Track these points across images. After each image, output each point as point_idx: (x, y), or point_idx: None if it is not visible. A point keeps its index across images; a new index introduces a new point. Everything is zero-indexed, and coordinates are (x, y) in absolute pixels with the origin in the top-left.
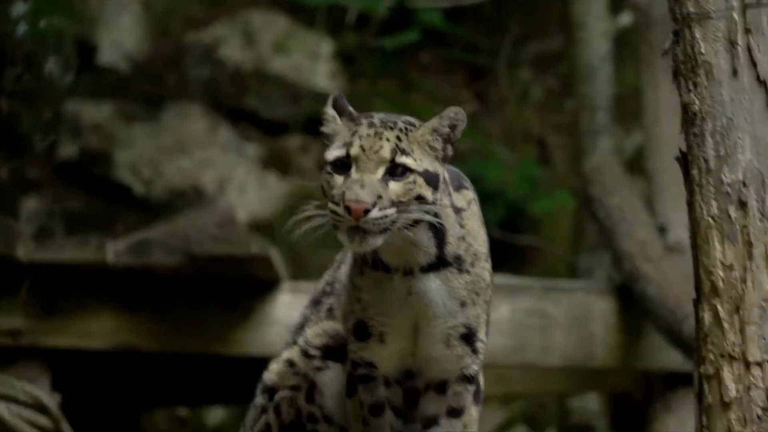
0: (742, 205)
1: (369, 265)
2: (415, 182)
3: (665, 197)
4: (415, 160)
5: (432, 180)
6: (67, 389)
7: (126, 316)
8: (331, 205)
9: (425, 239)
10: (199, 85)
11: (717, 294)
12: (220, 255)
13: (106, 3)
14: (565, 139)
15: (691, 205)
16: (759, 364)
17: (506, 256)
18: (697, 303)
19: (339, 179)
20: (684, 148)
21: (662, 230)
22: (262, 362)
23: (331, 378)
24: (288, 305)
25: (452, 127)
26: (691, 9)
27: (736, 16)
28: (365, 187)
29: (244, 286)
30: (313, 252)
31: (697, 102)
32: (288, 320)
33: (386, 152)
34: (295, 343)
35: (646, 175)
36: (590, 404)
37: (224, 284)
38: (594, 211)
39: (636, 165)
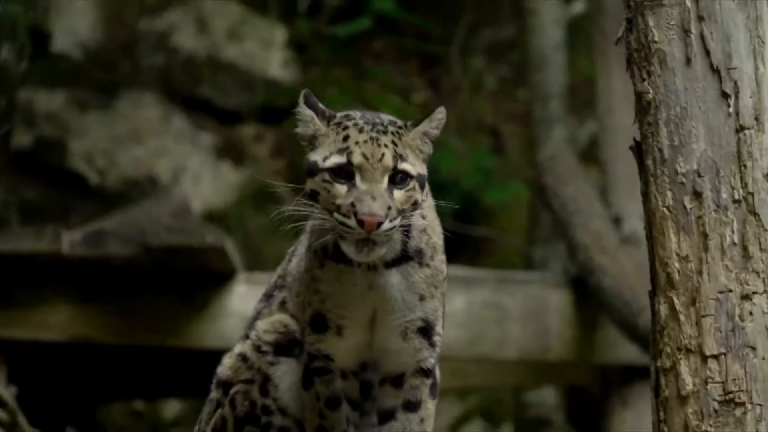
0: (697, 195)
1: (330, 257)
2: (414, 188)
3: (620, 188)
4: (412, 165)
5: (422, 183)
6: (24, 382)
7: (82, 307)
8: (338, 216)
9: (397, 236)
10: (153, 73)
11: (673, 286)
12: (175, 246)
13: None
14: (519, 128)
15: (645, 195)
16: (716, 357)
17: (460, 248)
18: (653, 295)
19: (341, 188)
20: (638, 138)
21: (617, 221)
22: (219, 355)
23: (284, 371)
24: (243, 297)
25: (438, 128)
26: None
27: (689, 3)
28: (377, 199)
29: (200, 277)
30: (267, 243)
31: (650, 91)
32: (243, 312)
33: (389, 160)
34: (247, 337)
35: (601, 165)
36: (547, 398)
37: (179, 276)
38: (548, 201)
39: (590, 155)
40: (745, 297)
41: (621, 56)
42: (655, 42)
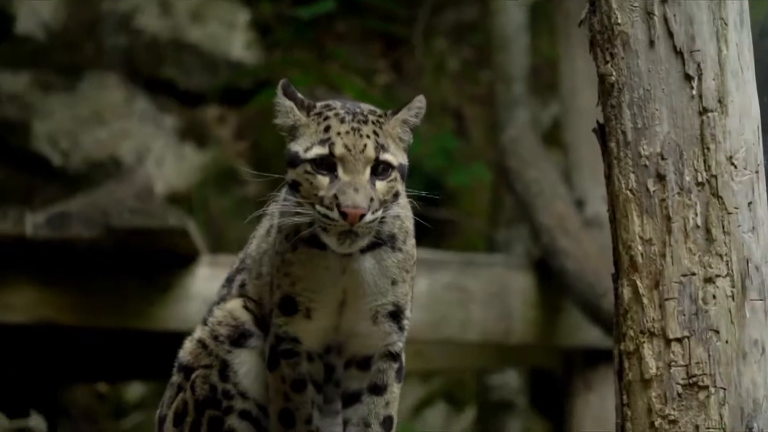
0: (661, 178)
1: (303, 241)
2: (395, 179)
3: (583, 170)
4: (393, 155)
5: (404, 173)
6: None
7: (45, 289)
8: (320, 208)
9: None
10: (116, 55)
11: (636, 269)
12: (139, 228)
13: None
14: (482, 110)
15: (609, 178)
16: (679, 341)
17: (424, 230)
18: (616, 278)
19: (323, 180)
20: (601, 120)
21: (580, 204)
22: (182, 337)
23: (241, 359)
24: (206, 279)
25: (417, 117)
26: None
27: None
28: (359, 191)
29: (163, 259)
30: (230, 225)
31: (614, 73)
32: (207, 294)
33: (371, 151)
34: (206, 322)
35: (564, 147)
36: (510, 380)
37: (143, 258)
38: (511, 183)
39: (553, 137)
40: (709, 280)
41: (584, 38)
42: (618, 24)
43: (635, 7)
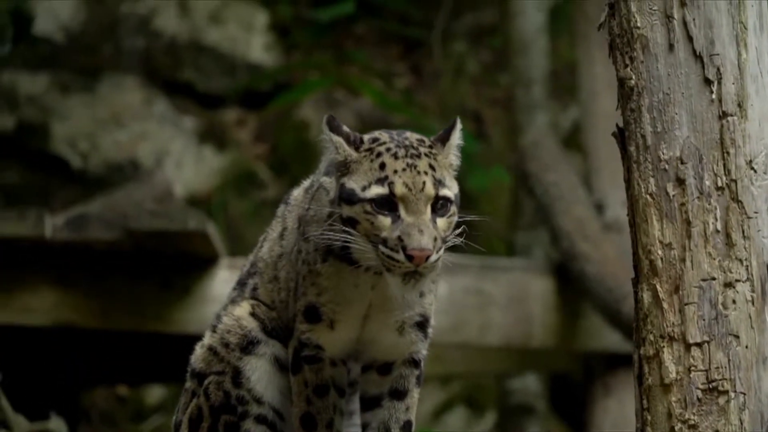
0: (680, 182)
1: (334, 254)
2: (454, 213)
3: (602, 174)
4: (449, 188)
5: (458, 202)
6: (7, 367)
7: (65, 292)
8: (384, 250)
9: None
10: (135, 57)
11: (656, 273)
12: (158, 230)
13: None
14: (501, 113)
15: (628, 182)
16: (699, 345)
17: None
18: (636, 283)
19: (385, 220)
20: (621, 124)
21: (600, 208)
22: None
23: (252, 366)
24: (226, 282)
25: (462, 139)
26: None
27: None
28: (424, 232)
29: (182, 262)
30: (250, 227)
31: (633, 77)
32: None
33: (431, 189)
34: (215, 329)
35: (583, 151)
36: (530, 385)
37: (162, 260)
38: (531, 187)
39: (572, 141)
40: (728, 285)
41: (603, 41)
42: (638, 27)
43: (654, 10)
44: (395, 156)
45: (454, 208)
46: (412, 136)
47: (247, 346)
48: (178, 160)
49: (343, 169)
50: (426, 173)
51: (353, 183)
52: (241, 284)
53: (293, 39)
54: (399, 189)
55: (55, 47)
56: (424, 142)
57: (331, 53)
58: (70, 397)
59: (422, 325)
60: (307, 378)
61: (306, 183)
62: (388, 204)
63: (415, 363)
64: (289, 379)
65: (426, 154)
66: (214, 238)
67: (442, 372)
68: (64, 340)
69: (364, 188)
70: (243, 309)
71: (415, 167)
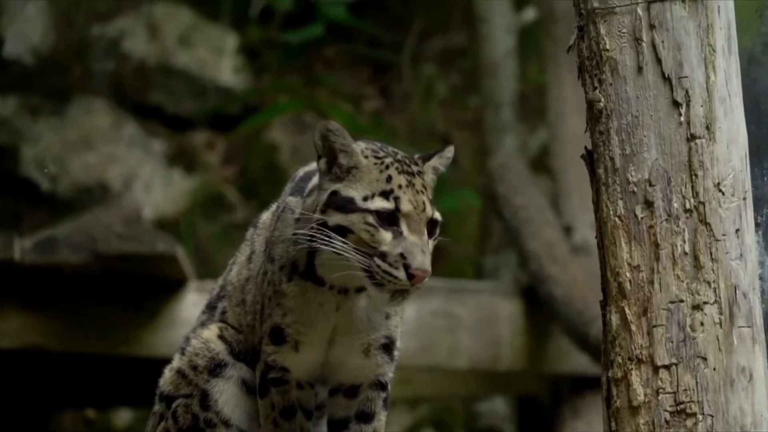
0: (649, 204)
1: (300, 274)
2: (438, 236)
3: (571, 196)
4: (436, 209)
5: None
6: None
7: (33, 315)
8: (381, 264)
9: None
10: (104, 79)
11: (624, 296)
12: (127, 253)
13: None
14: (470, 135)
15: (597, 204)
16: (667, 368)
17: None
18: (604, 305)
19: (386, 235)
20: (590, 146)
21: (568, 230)
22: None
23: (220, 388)
24: (195, 305)
25: (444, 166)
26: (596, 4)
27: (640, 11)
28: (426, 253)
29: (151, 285)
30: (218, 250)
31: (602, 99)
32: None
33: (429, 210)
34: (183, 351)
35: (552, 173)
36: (498, 407)
37: (131, 283)
38: (499, 210)
39: (541, 163)
40: (697, 307)
41: (572, 64)
42: (607, 50)
43: (623, 33)
44: (399, 171)
45: (438, 231)
46: (400, 152)
47: (215, 368)
48: (147, 183)
49: (341, 175)
50: (423, 193)
51: (353, 191)
52: (210, 308)
53: (263, 62)
54: (405, 206)
55: (25, 70)
56: (413, 160)
57: (301, 76)
58: (38, 420)
59: (388, 347)
60: (274, 400)
61: (274, 206)
62: (390, 219)
63: (381, 386)
64: (257, 402)
65: (418, 173)
66: (183, 261)
67: (411, 395)
68: (33, 363)
69: (366, 198)
70: (211, 332)
71: (414, 185)
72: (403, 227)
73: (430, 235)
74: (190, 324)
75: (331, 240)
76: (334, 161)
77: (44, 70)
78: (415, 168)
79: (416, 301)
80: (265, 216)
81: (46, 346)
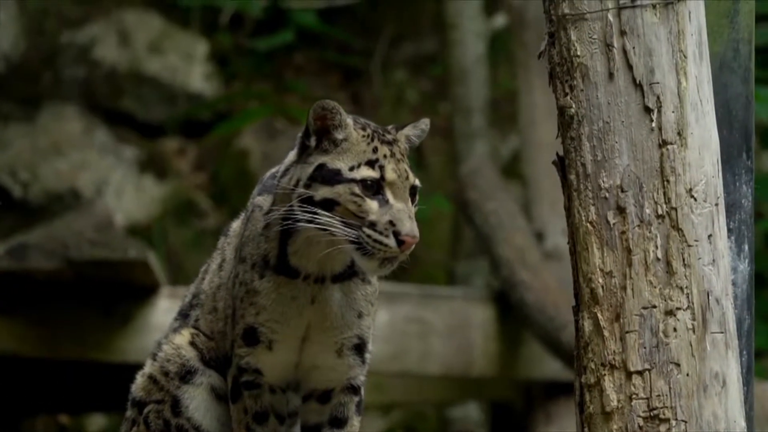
0: (621, 210)
1: (272, 268)
2: (417, 201)
3: (542, 202)
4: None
5: None
6: None
7: (5, 321)
8: (370, 232)
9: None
10: (75, 86)
11: (597, 302)
12: (98, 259)
13: None
14: (441, 142)
15: (569, 210)
16: (640, 373)
17: None
18: (576, 311)
19: (373, 204)
20: (561, 153)
21: (540, 236)
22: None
23: (190, 394)
24: (167, 311)
25: (419, 138)
26: (566, 10)
27: (611, 17)
28: (413, 219)
29: (123, 291)
30: (190, 257)
31: (573, 105)
32: (167, 326)
33: (411, 177)
34: (155, 357)
35: (523, 179)
36: (470, 413)
37: (103, 289)
38: (471, 216)
39: (512, 169)
40: (669, 313)
41: (543, 70)
42: (578, 56)
43: (594, 39)
44: (380, 141)
45: (417, 198)
46: (372, 123)
47: (185, 375)
48: (118, 190)
49: (328, 148)
50: (402, 160)
51: (339, 163)
52: (183, 315)
53: (233, 68)
54: (390, 174)
55: None
56: (386, 129)
57: (271, 82)
58: (10, 425)
59: (360, 348)
60: (246, 405)
61: (243, 215)
62: (374, 187)
63: (354, 390)
64: (228, 408)
65: (394, 141)
66: (155, 267)
67: (383, 401)
68: (5, 368)
69: (352, 168)
70: (183, 338)
71: (395, 154)
72: (389, 195)
73: (412, 200)
74: (162, 329)
75: (316, 215)
76: (325, 136)
77: (15, 77)
78: (389, 137)
79: (388, 307)
80: (236, 225)
81: (19, 352)
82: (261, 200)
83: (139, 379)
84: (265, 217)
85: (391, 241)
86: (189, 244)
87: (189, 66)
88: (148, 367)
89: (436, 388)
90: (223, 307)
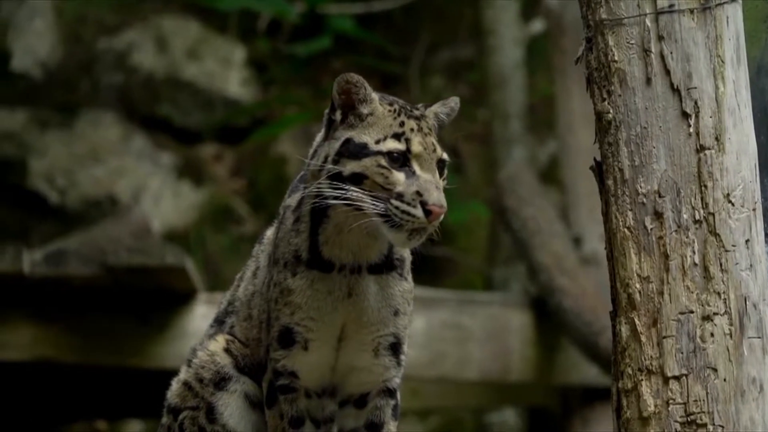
0: (658, 215)
1: (305, 263)
2: (447, 175)
3: (580, 208)
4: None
5: None
6: None
7: (43, 327)
8: (398, 204)
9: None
10: (112, 92)
11: (634, 307)
12: (136, 265)
13: (18, 9)
14: (478, 148)
15: (606, 215)
16: (677, 378)
17: (420, 268)
18: (614, 316)
19: (400, 176)
20: (599, 158)
21: (577, 241)
22: None
23: (225, 401)
24: (204, 317)
25: (448, 116)
26: (604, 15)
27: (648, 23)
28: (440, 189)
29: (160, 297)
30: (227, 262)
31: (611, 110)
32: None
33: (439, 150)
34: (190, 363)
35: (561, 185)
36: (508, 419)
37: (140, 296)
38: (508, 221)
39: (550, 175)
40: (707, 318)
41: (581, 75)
42: (615, 61)
43: (632, 44)
44: (407, 116)
45: (446, 172)
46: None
47: (220, 382)
48: (155, 196)
49: (355, 123)
50: (429, 134)
51: (366, 137)
52: (218, 322)
53: (271, 74)
54: (416, 147)
55: (33, 83)
56: (414, 106)
57: (309, 88)
58: (49, 431)
59: (396, 348)
60: (282, 410)
61: (276, 223)
62: (401, 159)
63: (390, 392)
64: (262, 416)
65: (422, 117)
66: (192, 274)
67: (420, 406)
68: (43, 375)
69: (378, 141)
70: (218, 344)
71: (423, 129)
72: (416, 167)
73: (440, 174)
74: (199, 336)
75: (345, 191)
76: (350, 111)
77: (52, 84)
78: (417, 112)
79: (426, 312)
80: (269, 232)
81: (57, 359)
82: (290, 200)
83: (174, 386)
84: (294, 213)
85: (419, 212)
86: (226, 250)
87: (226, 72)
88: (183, 374)
89: (473, 393)
90: (258, 314)
